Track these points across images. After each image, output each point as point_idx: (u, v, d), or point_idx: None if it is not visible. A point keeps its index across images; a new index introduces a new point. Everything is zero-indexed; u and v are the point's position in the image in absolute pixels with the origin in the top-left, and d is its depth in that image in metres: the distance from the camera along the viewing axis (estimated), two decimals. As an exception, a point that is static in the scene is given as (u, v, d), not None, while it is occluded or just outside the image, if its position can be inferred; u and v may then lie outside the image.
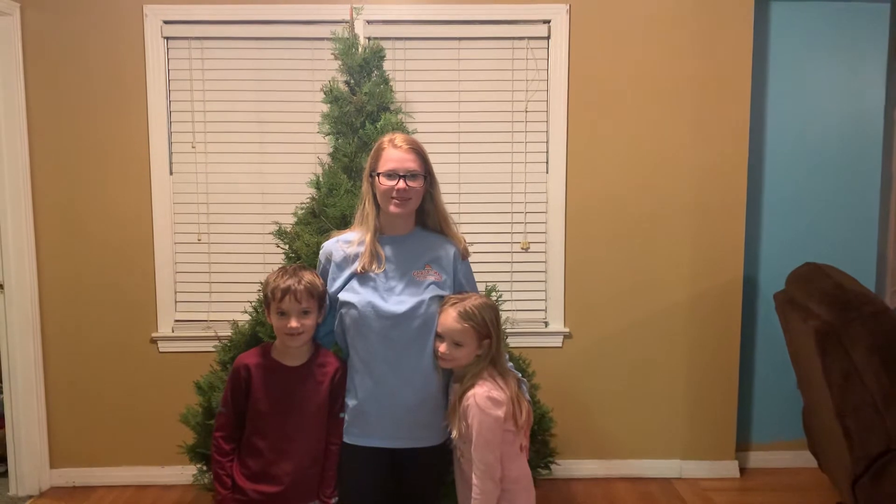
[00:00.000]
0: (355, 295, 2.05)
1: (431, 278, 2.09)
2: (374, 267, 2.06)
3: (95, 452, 3.36)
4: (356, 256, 2.08)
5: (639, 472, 3.44)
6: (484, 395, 2.00)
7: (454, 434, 2.03)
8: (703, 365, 3.40)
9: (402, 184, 2.03)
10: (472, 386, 2.02)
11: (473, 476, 1.99)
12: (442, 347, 2.03)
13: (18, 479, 3.26)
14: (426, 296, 2.05)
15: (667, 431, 3.45)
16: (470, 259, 2.25)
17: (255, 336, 2.56)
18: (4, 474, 3.33)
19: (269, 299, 2.05)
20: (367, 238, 2.08)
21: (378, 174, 2.06)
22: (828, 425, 2.68)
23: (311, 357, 2.11)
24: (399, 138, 2.09)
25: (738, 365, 3.41)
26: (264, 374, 2.07)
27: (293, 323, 2.02)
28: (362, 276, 2.06)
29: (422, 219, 2.18)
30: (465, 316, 2.02)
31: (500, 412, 2.00)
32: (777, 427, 3.53)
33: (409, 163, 2.05)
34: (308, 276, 2.06)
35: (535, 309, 3.41)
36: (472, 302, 2.06)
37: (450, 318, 2.03)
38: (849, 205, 3.47)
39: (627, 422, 3.44)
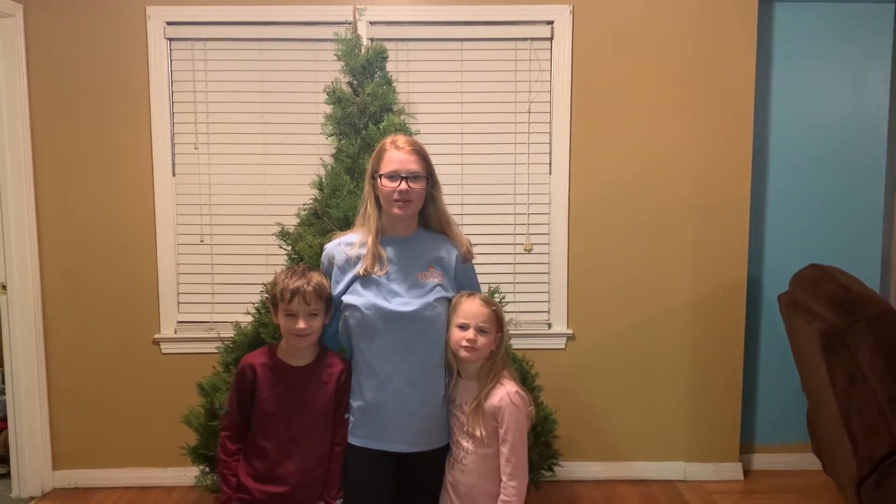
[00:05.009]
0: (359, 297, 2.04)
1: (435, 280, 2.08)
2: (376, 269, 2.05)
3: (98, 454, 3.36)
4: (358, 258, 2.07)
5: (642, 474, 3.43)
6: (515, 392, 2.00)
7: (480, 434, 1.98)
8: (707, 366, 3.38)
9: (403, 185, 2.02)
10: (497, 384, 2.01)
11: (507, 478, 1.96)
12: (469, 333, 1.99)
13: (21, 481, 3.26)
14: (431, 297, 2.05)
15: (670, 433, 3.44)
16: (473, 261, 2.23)
17: (258, 337, 2.56)
18: (7, 476, 3.33)
19: (278, 300, 2.05)
20: (369, 240, 2.07)
21: (380, 176, 2.05)
22: (832, 427, 2.67)
23: (317, 358, 2.11)
24: (401, 140, 2.08)
25: (742, 366, 3.40)
26: (270, 375, 2.07)
27: (301, 324, 2.02)
28: (365, 279, 2.05)
29: (424, 220, 2.16)
30: (487, 301, 2.05)
31: (526, 409, 2.02)
32: (781, 429, 3.52)
33: (411, 164, 2.03)
34: (317, 278, 2.06)
35: (539, 311, 3.40)
36: (484, 294, 2.12)
37: (475, 304, 2.03)
38: (853, 205, 3.46)
39: (631, 423, 3.43)
